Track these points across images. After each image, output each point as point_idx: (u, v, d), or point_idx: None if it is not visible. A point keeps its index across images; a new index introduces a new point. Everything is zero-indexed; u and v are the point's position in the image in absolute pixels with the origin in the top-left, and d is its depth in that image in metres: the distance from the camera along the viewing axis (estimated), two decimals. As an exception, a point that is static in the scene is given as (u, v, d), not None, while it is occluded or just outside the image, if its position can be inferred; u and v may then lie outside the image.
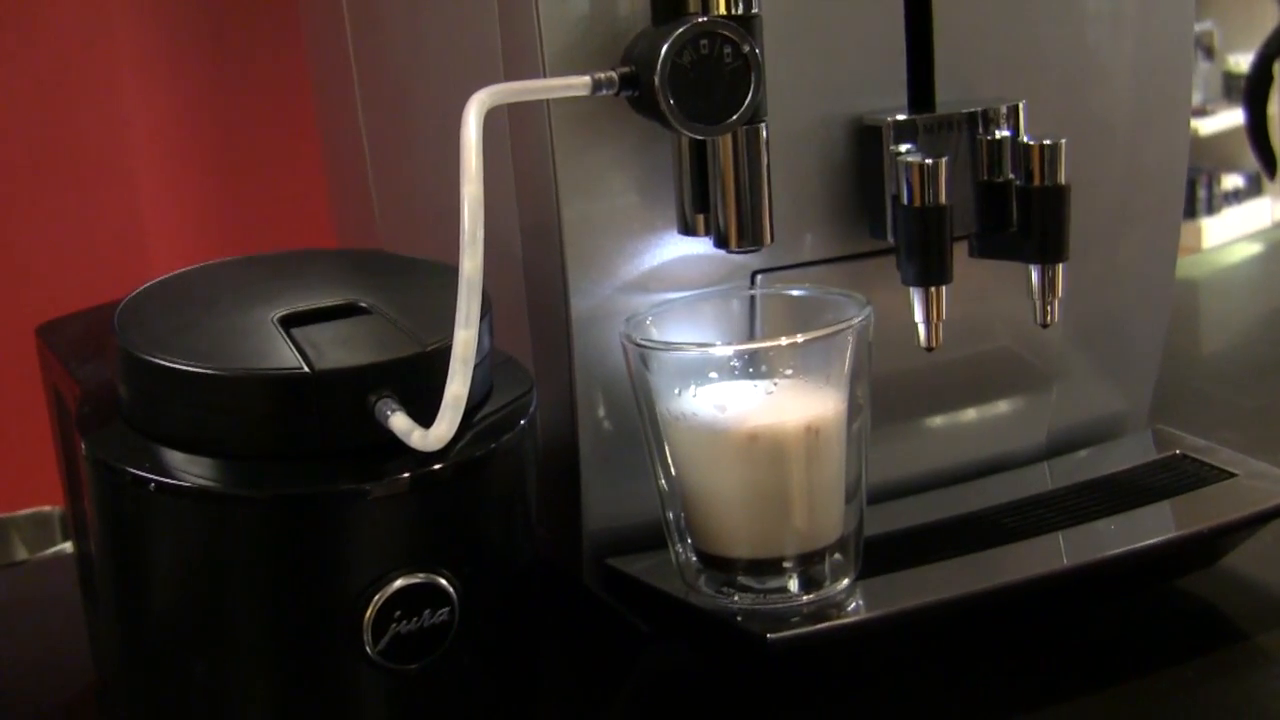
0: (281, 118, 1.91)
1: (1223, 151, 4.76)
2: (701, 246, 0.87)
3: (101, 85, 1.87)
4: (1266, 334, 1.61)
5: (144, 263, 1.85)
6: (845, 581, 0.86)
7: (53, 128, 1.85)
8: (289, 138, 1.88)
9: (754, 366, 0.84)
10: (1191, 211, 4.78)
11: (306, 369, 0.72)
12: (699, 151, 0.84)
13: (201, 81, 1.93)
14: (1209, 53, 4.90)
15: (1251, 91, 1.58)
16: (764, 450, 0.83)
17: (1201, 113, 4.69)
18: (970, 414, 1.00)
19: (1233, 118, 4.73)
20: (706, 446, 0.84)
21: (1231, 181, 4.98)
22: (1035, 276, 0.90)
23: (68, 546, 1.35)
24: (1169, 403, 1.10)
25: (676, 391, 0.84)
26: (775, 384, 0.84)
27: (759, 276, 0.91)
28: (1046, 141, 0.88)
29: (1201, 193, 4.83)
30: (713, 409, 0.83)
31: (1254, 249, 2.15)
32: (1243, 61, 4.85)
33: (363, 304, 0.78)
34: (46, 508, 1.45)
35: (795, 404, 0.83)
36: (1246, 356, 1.53)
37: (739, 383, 0.84)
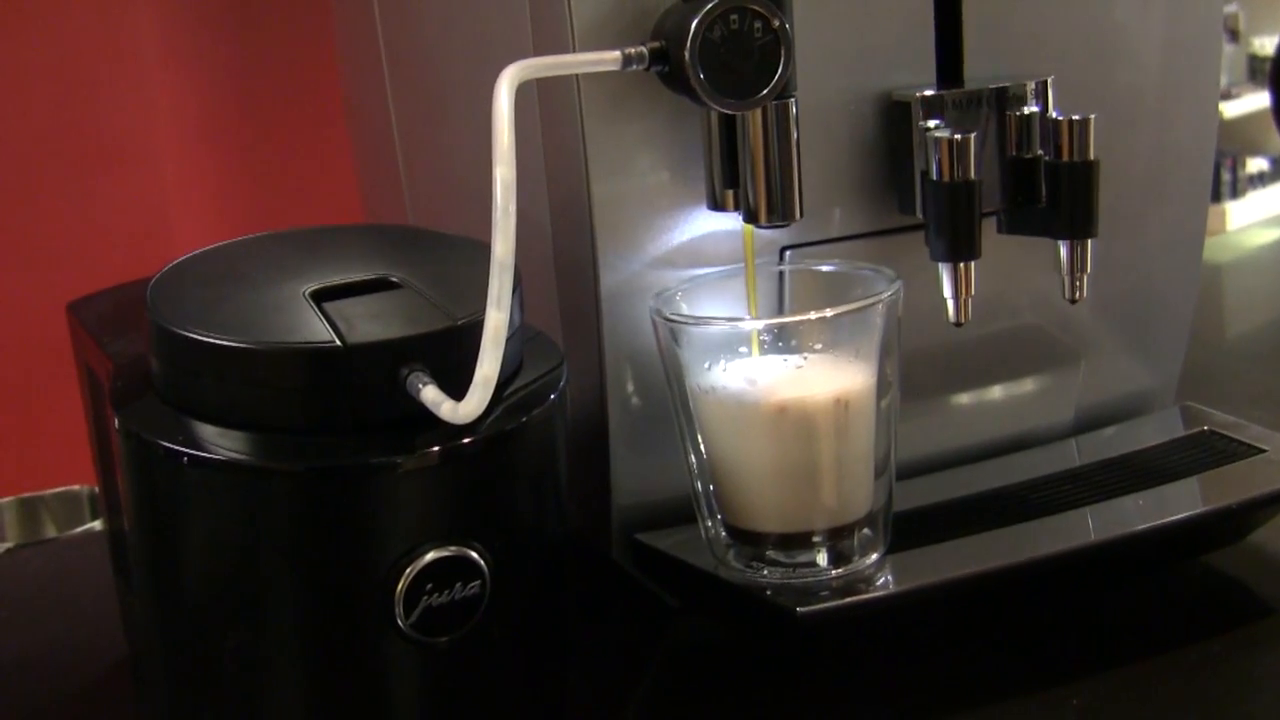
0: (308, 96, 1.92)
1: (1247, 135, 4.75)
2: (731, 222, 0.88)
3: (128, 66, 1.87)
4: (1293, 314, 1.61)
5: (170, 241, 1.86)
6: (874, 556, 0.86)
7: (79, 109, 1.86)
8: (315, 116, 1.89)
9: (783, 341, 0.84)
10: (1216, 195, 4.75)
11: (338, 342, 0.72)
12: (729, 127, 0.85)
13: (228, 61, 1.93)
14: (1234, 35, 4.88)
15: (1276, 74, 1.58)
16: (793, 423, 0.83)
17: (1226, 96, 4.68)
18: (998, 390, 1.00)
19: (1258, 101, 4.72)
20: (736, 419, 0.84)
21: (1256, 165, 4.97)
22: (1064, 252, 0.90)
23: (97, 525, 1.36)
24: (1196, 382, 1.09)
25: (706, 366, 0.84)
26: (805, 358, 0.84)
27: (788, 252, 0.91)
28: (1076, 117, 0.88)
29: (1226, 176, 4.82)
30: (742, 382, 0.83)
31: (1278, 231, 2.15)
32: (1268, 44, 4.84)
33: (394, 278, 0.78)
34: (75, 486, 1.46)
35: (825, 377, 0.83)
36: (1273, 336, 1.53)
37: (768, 357, 0.84)
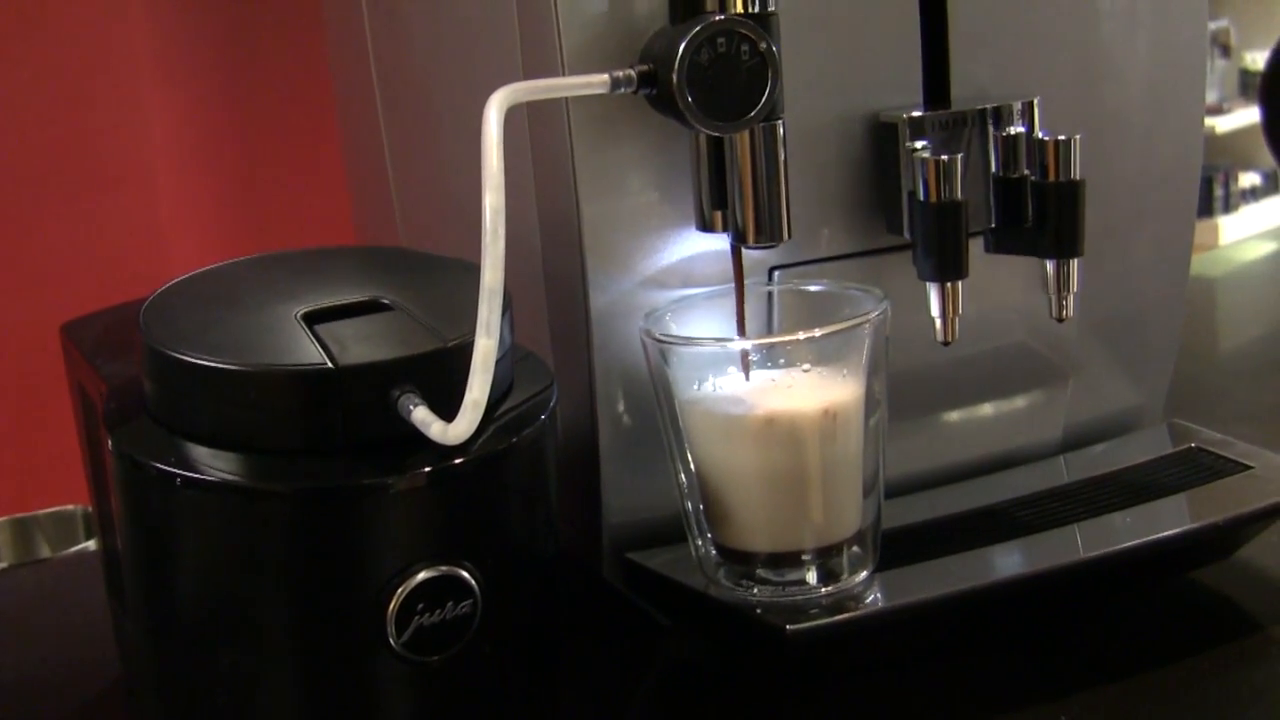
0: (300, 117, 1.92)
1: (1240, 149, 4.75)
2: (719, 243, 0.88)
3: (122, 87, 1.88)
4: (1283, 330, 1.62)
5: (164, 262, 1.86)
6: (863, 574, 0.87)
7: (73, 130, 1.86)
8: (308, 137, 1.89)
9: (772, 361, 0.85)
10: (1208, 209, 4.77)
11: (330, 365, 0.73)
12: (717, 149, 0.85)
13: (222, 82, 1.94)
14: (1225, 50, 4.89)
15: (1266, 90, 1.58)
16: (781, 434, 0.83)
17: (1218, 111, 4.69)
18: (986, 408, 1.01)
19: (1249, 115, 4.72)
20: (724, 431, 0.84)
21: (1249, 179, 4.98)
22: (1051, 271, 0.90)
23: (90, 545, 1.36)
24: (1185, 398, 1.10)
25: (695, 386, 0.85)
26: (792, 378, 0.84)
27: (776, 272, 0.92)
28: (1061, 137, 0.88)
29: (1219, 191, 4.82)
30: (730, 394, 0.84)
31: (1271, 246, 2.15)
32: (1259, 59, 4.84)
33: (385, 300, 0.78)
34: (69, 506, 1.46)
35: (813, 390, 0.84)
36: (1263, 352, 1.53)
37: (758, 373, 0.85)
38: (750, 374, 0.85)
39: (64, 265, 1.84)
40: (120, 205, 1.87)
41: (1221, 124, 4.70)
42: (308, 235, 1.84)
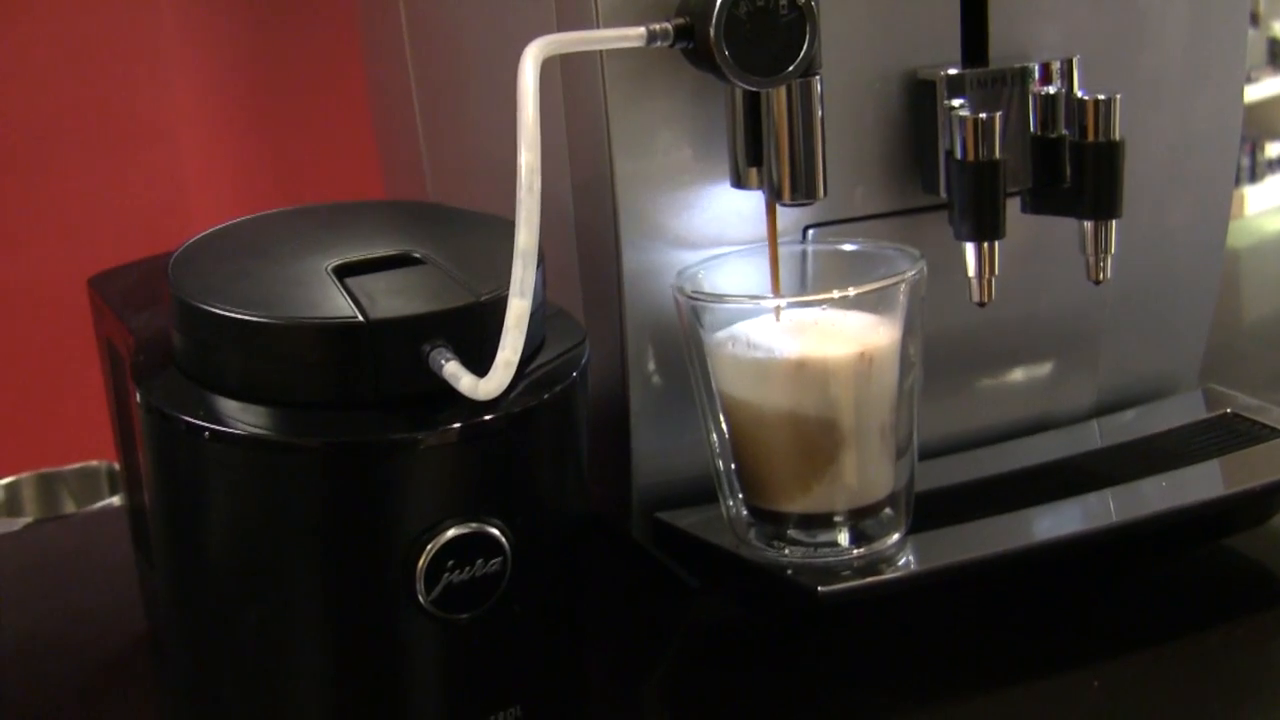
0: (329, 73, 1.92)
1: (1266, 119, 4.73)
2: (754, 200, 0.87)
3: (148, 43, 1.87)
4: (1314, 298, 1.61)
5: (189, 218, 1.86)
6: (895, 536, 0.86)
7: (99, 86, 1.86)
8: (336, 93, 1.88)
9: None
10: (1234, 179, 4.74)
11: (361, 318, 0.72)
12: (753, 104, 0.84)
13: (248, 37, 1.93)
14: (1254, 19, 4.86)
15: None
16: (813, 378, 0.82)
17: (1246, 80, 4.66)
18: (1020, 371, 1.00)
19: (1277, 85, 4.70)
20: (756, 378, 0.84)
21: (1275, 149, 4.95)
22: (1089, 232, 0.89)
23: (115, 500, 1.36)
24: (1217, 365, 1.09)
25: (729, 344, 0.84)
26: (825, 325, 0.84)
27: (811, 230, 0.91)
28: (1101, 96, 0.87)
29: (1244, 160, 4.79)
30: (762, 340, 0.83)
31: (1299, 216, 2.14)
32: (1289, 28, 4.83)
33: (416, 254, 0.78)
34: (94, 462, 1.47)
35: (848, 336, 0.83)
36: (1293, 321, 1.52)
37: (789, 313, 0.84)
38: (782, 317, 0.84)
39: (91, 219, 1.84)
40: (147, 160, 1.87)
41: (1249, 93, 4.65)
42: (335, 191, 1.84)
